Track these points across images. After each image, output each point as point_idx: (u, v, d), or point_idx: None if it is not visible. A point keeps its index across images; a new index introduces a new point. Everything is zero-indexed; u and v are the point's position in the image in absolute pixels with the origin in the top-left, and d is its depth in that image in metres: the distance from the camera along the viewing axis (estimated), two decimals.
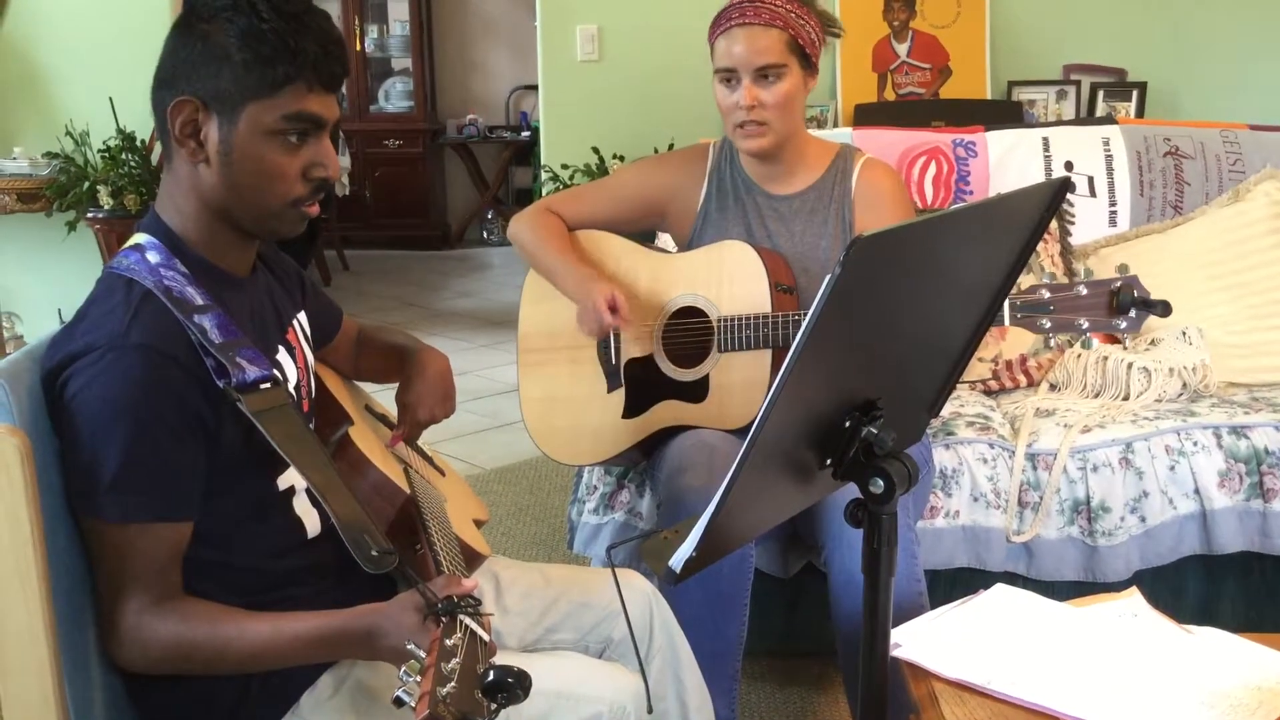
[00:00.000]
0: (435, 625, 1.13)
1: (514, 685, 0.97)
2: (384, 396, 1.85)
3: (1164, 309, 1.70)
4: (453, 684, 0.98)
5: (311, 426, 1.50)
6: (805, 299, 2.12)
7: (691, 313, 2.17)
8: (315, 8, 1.34)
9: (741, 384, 2.11)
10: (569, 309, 2.20)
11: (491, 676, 0.97)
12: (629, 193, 2.30)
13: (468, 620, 1.12)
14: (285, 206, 1.34)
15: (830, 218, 2.17)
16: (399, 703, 1.02)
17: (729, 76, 2.08)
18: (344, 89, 7.70)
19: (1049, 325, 1.78)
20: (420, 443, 1.82)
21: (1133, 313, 1.74)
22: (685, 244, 2.29)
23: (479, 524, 1.77)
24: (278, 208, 1.34)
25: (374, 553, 1.26)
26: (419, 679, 1.01)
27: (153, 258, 1.31)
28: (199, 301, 1.29)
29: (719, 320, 2.12)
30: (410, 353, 1.73)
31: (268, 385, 1.30)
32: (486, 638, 1.11)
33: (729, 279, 2.13)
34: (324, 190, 1.37)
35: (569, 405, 2.26)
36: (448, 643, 1.05)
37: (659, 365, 2.19)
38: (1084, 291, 1.76)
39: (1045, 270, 2.77)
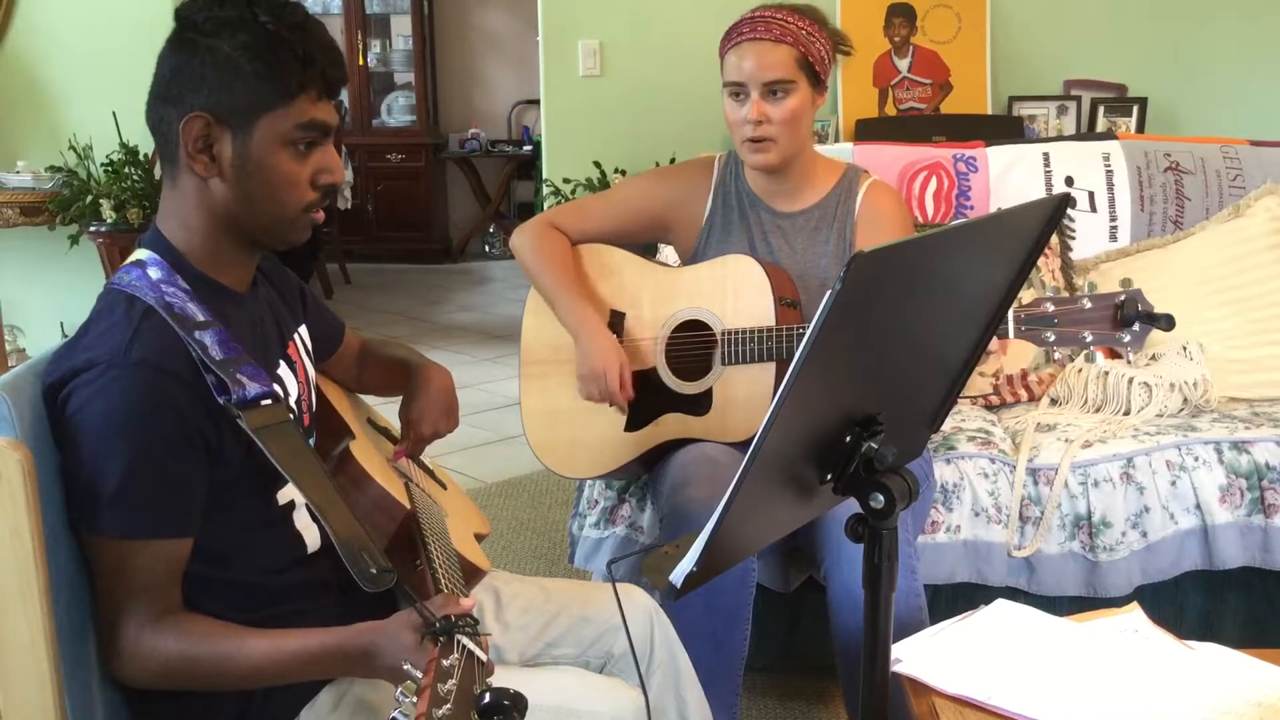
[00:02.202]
0: (433, 645, 1.13)
1: (510, 708, 0.97)
2: (387, 409, 1.85)
3: (1168, 323, 1.70)
4: (449, 705, 0.97)
5: (312, 441, 1.50)
6: (805, 316, 2.12)
7: (695, 326, 2.17)
8: (312, 16, 1.35)
9: (745, 397, 2.11)
10: None
11: (488, 699, 0.97)
12: (633, 206, 2.31)
13: (465, 640, 1.11)
14: (298, 213, 1.36)
15: (832, 236, 2.18)
16: None
17: (737, 91, 2.09)
18: (346, 103, 7.73)
19: (1053, 338, 1.79)
20: (422, 456, 1.83)
21: (1136, 326, 1.74)
22: (689, 257, 2.29)
23: (480, 538, 1.77)
24: (292, 215, 1.36)
25: (372, 570, 1.26)
26: (415, 700, 1.00)
27: (154, 274, 1.32)
28: (200, 318, 1.30)
29: (723, 333, 2.12)
30: (413, 368, 1.74)
31: (268, 402, 1.30)
32: (484, 658, 1.11)
33: (733, 293, 2.13)
34: (331, 195, 1.39)
35: (571, 418, 2.26)
36: (444, 663, 1.05)
37: (662, 378, 2.19)
38: (1088, 305, 1.76)
39: (1046, 285, 2.78)
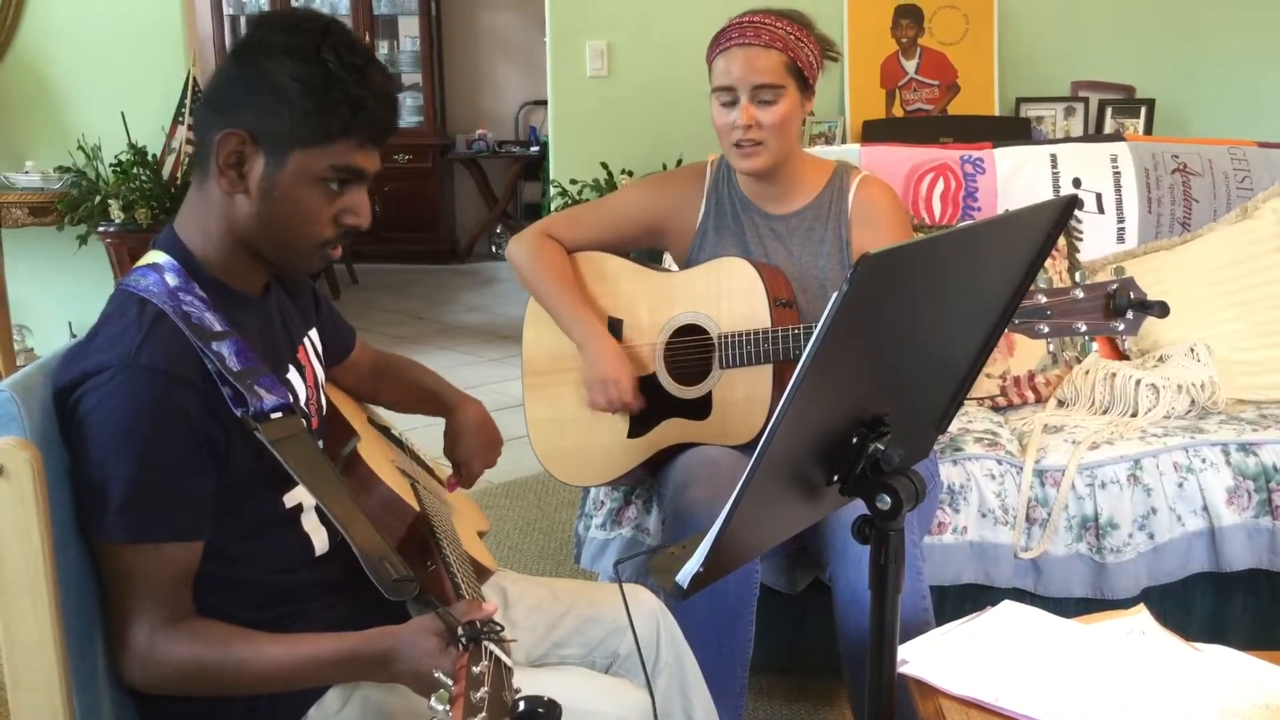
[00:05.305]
0: (458, 650, 1.12)
1: (544, 716, 0.97)
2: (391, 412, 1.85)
3: (1161, 309, 1.69)
4: (484, 714, 0.97)
5: (321, 444, 1.50)
6: (803, 318, 2.12)
7: (692, 330, 2.17)
8: (376, 60, 1.33)
9: (744, 399, 2.11)
10: None
11: (522, 707, 0.97)
12: (628, 215, 2.31)
13: (492, 646, 1.11)
14: (313, 248, 1.36)
15: (827, 236, 2.18)
16: None
17: (727, 96, 2.09)
18: None
19: (1047, 330, 1.78)
20: (423, 455, 1.84)
21: (1130, 314, 1.73)
22: (684, 262, 2.29)
23: (480, 534, 1.78)
24: (306, 248, 1.36)
25: (395, 578, 1.26)
26: (448, 709, 1.00)
27: (171, 281, 1.31)
28: (217, 328, 1.30)
29: (719, 337, 2.12)
30: (450, 408, 1.76)
31: (281, 414, 1.30)
32: (510, 663, 1.11)
33: (728, 295, 2.13)
34: (350, 236, 1.38)
35: (574, 427, 2.27)
36: (475, 670, 1.05)
37: (662, 384, 2.19)
38: (1080, 295, 1.75)
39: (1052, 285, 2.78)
